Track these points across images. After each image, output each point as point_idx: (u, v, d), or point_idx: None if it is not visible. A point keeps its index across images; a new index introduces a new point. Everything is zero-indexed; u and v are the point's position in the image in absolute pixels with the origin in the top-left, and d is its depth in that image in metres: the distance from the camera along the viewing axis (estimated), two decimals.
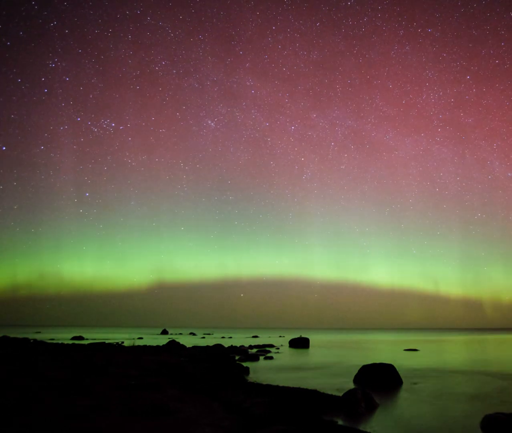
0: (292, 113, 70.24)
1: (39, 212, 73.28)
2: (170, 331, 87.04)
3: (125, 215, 76.62)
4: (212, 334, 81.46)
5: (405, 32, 61.69)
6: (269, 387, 11.43)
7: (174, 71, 63.14)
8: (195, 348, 29.79)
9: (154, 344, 33.41)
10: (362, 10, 59.87)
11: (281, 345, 40.94)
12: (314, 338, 57.18)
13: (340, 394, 10.55)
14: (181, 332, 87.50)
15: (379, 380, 13.74)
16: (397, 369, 14.53)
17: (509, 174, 72.24)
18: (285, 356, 28.01)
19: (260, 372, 17.63)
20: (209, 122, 68.99)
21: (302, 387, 11.67)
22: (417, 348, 34.76)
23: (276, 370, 18.42)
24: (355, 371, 14.81)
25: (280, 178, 77.94)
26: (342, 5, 59.28)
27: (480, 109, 66.86)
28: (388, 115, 70.54)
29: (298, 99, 68.83)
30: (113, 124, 62.61)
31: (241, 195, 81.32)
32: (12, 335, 35.61)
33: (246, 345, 38.68)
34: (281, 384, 12.22)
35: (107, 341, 38.93)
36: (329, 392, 10.94)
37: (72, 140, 62.10)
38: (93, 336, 59.33)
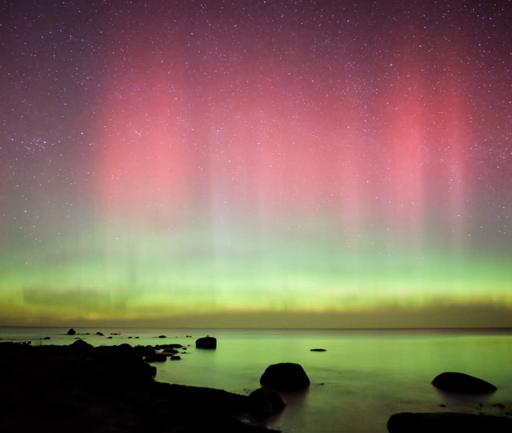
0: (216, 116, 70.38)
1: None
2: (77, 331, 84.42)
3: (62, 229, 76.33)
4: (119, 334, 79.32)
5: (323, 25, 61.94)
6: (175, 387, 11.42)
7: (99, 85, 64.18)
8: (102, 348, 28.96)
9: (61, 344, 32.20)
10: (278, 8, 60.63)
11: (188, 345, 40.90)
12: (221, 339, 57.64)
13: (247, 394, 10.79)
14: (88, 332, 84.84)
15: (286, 380, 13.85)
16: (304, 369, 14.66)
17: (441, 160, 70.43)
18: (192, 356, 27.87)
19: (167, 372, 17.47)
20: (136, 132, 70.35)
21: (209, 387, 11.76)
22: (324, 348, 35.65)
23: (183, 370, 18.32)
24: (263, 371, 14.93)
25: (209, 182, 77.66)
26: (258, 4, 60.08)
27: (406, 96, 65.26)
28: (312, 110, 70.71)
29: (221, 102, 69.06)
30: (45, 142, 65.49)
31: (172, 202, 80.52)
32: None
33: (153, 345, 38.22)
34: (188, 384, 12.24)
35: (13, 341, 37.70)
36: (236, 392, 11.10)
37: (7, 160, 65.60)
38: None
